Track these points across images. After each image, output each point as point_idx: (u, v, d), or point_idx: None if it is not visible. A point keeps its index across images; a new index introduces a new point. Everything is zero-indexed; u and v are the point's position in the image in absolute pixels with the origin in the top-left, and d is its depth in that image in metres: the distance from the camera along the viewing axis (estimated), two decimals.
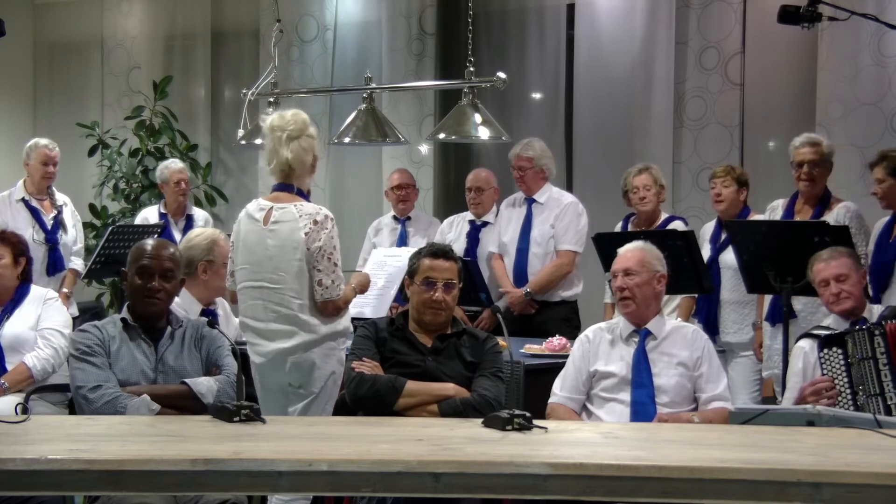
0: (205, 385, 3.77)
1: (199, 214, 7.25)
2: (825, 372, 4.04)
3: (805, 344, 4.21)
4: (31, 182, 6.77)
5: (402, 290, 5.26)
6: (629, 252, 4.26)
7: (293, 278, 4.21)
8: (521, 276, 6.11)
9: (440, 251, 4.10)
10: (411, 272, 4.08)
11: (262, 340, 4.28)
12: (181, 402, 3.74)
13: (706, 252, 5.59)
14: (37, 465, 2.89)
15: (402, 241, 6.63)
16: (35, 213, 6.69)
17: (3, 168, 8.53)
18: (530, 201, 6.20)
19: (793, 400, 4.14)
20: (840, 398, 3.98)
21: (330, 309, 4.24)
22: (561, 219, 6.09)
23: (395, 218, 6.83)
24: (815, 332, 4.24)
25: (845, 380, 3.99)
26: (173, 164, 7.19)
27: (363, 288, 4.59)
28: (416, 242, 6.48)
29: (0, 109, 9.34)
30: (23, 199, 6.70)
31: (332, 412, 4.24)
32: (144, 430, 3.38)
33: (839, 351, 4.02)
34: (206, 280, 4.60)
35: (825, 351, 4.06)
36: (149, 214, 7.14)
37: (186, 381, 3.77)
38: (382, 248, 6.39)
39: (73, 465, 2.90)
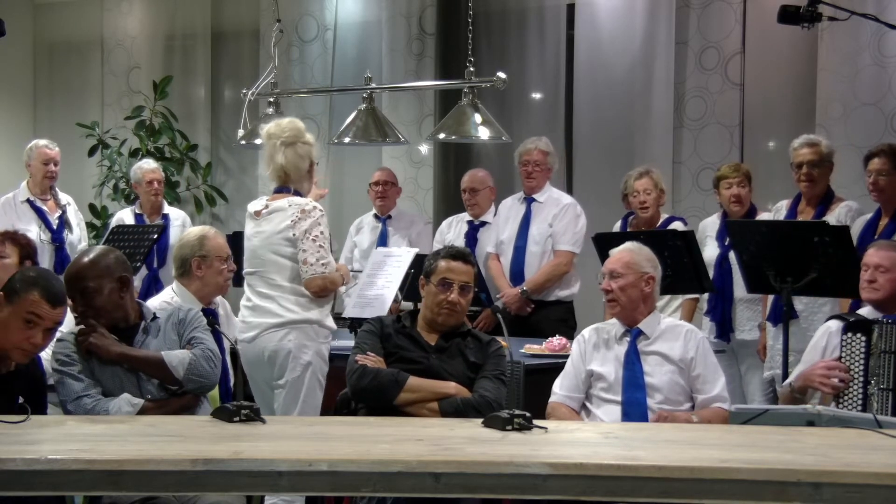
0: (177, 358, 3.74)
1: (176, 214, 7.25)
2: (843, 355, 4.01)
3: (833, 325, 4.17)
4: (33, 183, 6.84)
5: (402, 289, 5.30)
6: (618, 254, 4.28)
7: (275, 265, 4.46)
8: (517, 274, 6.13)
9: (459, 254, 4.12)
10: (427, 272, 4.08)
11: (246, 325, 4.49)
12: (154, 371, 3.72)
13: (712, 249, 5.59)
14: (37, 465, 2.89)
15: (384, 239, 6.64)
16: (40, 214, 6.73)
17: (3, 168, 8.53)
18: (529, 200, 6.21)
19: (798, 371, 4.11)
20: (851, 385, 3.94)
21: (316, 285, 4.42)
22: (560, 219, 6.10)
23: (375, 216, 6.84)
24: (846, 315, 4.21)
25: (861, 367, 3.95)
26: (146, 165, 7.20)
27: (345, 276, 4.76)
28: (398, 241, 6.51)
29: (0, 109, 9.34)
30: (27, 200, 6.76)
31: (317, 408, 4.34)
32: (144, 430, 3.38)
33: (863, 338, 3.97)
34: (203, 276, 4.60)
35: (849, 334, 4.01)
36: (124, 215, 7.14)
37: (163, 353, 3.75)
38: (382, 247, 6.38)
39: (73, 465, 2.90)
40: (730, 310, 5.55)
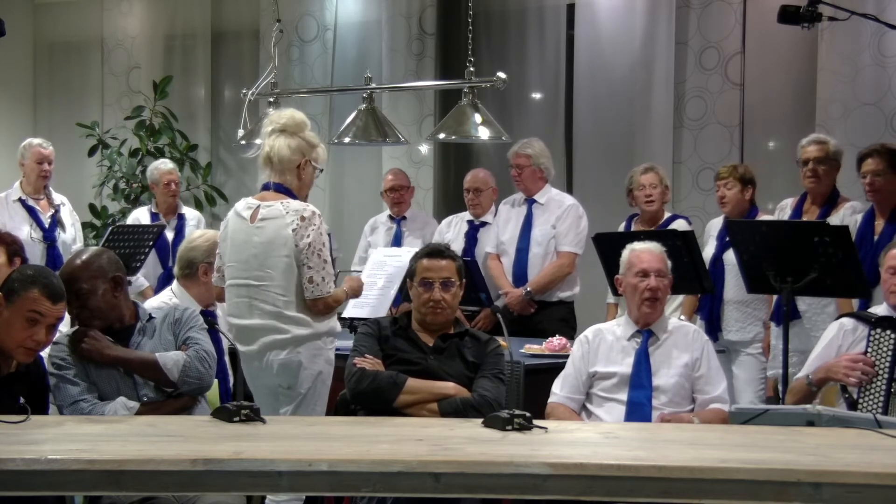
0: (171, 359, 3.73)
1: (191, 214, 7.26)
2: (870, 350, 3.98)
3: (848, 323, 4.14)
4: (27, 182, 6.82)
5: (402, 290, 5.30)
6: (653, 253, 4.24)
7: (279, 275, 4.20)
8: (520, 275, 6.13)
9: (435, 250, 4.11)
10: (411, 274, 4.10)
11: (247, 338, 4.27)
12: (149, 373, 3.72)
13: (712, 248, 5.59)
14: (37, 465, 2.89)
15: (398, 240, 6.64)
16: (32, 212, 6.72)
17: (3, 168, 8.53)
18: (531, 202, 6.22)
19: (813, 366, 4.09)
20: (875, 381, 3.91)
21: (320, 306, 4.21)
22: (562, 220, 6.11)
23: (390, 217, 6.85)
24: (863, 314, 4.18)
25: (887, 364, 3.92)
26: (163, 165, 7.20)
27: (355, 292, 4.54)
28: (412, 242, 6.50)
29: (0, 109, 9.34)
30: (19, 199, 6.75)
31: (323, 413, 4.24)
32: (144, 430, 3.38)
33: (892, 335, 3.94)
34: (207, 282, 4.57)
35: (878, 330, 3.97)
36: (140, 215, 7.15)
37: (157, 354, 3.75)
38: (382, 248, 6.39)
39: (73, 465, 2.91)
40: (719, 309, 5.55)
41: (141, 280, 6.77)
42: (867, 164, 5.03)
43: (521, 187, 6.25)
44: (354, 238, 7.24)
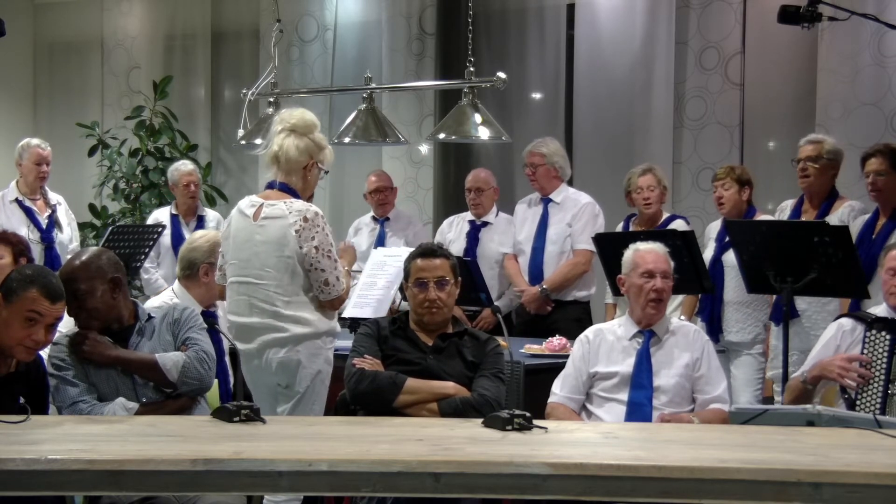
0: (171, 360, 3.73)
1: (211, 215, 7.26)
2: (865, 351, 3.99)
3: (847, 323, 4.15)
4: (24, 182, 6.79)
5: (402, 289, 5.30)
6: (657, 254, 4.23)
7: (279, 275, 4.20)
8: (536, 274, 6.12)
9: (428, 250, 4.11)
10: (406, 275, 4.10)
11: (246, 337, 4.27)
12: (148, 374, 3.72)
13: (711, 250, 5.60)
14: (37, 465, 2.90)
15: (381, 241, 6.65)
16: (29, 213, 6.70)
17: (3, 168, 8.53)
18: (546, 201, 6.21)
19: (810, 364, 4.10)
20: (872, 382, 3.92)
21: (336, 305, 4.28)
22: (578, 218, 6.11)
23: (373, 218, 6.86)
24: (861, 314, 4.18)
25: (883, 366, 3.92)
26: (183, 167, 7.19)
27: (350, 262, 4.67)
28: (394, 242, 6.51)
29: (0, 109, 9.34)
30: (16, 200, 6.72)
31: (321, 412, 4.24)
32: (144, 430, 3.38)
33: (888, 336, 3.94)
34: (208, 282, 4.57)
35: (873, 332, 3.98)
36: (160, 215, 7.15)
37: (157, 355, 3.75)
38: (382, 248, 6.39)
39: (73, 465, 2.91)
40: (720, 311, 5.55)
41: (160, 281, 6.77)
42: (870, 163, 5.03)
43: (536, 186, 6.24)
44: None
